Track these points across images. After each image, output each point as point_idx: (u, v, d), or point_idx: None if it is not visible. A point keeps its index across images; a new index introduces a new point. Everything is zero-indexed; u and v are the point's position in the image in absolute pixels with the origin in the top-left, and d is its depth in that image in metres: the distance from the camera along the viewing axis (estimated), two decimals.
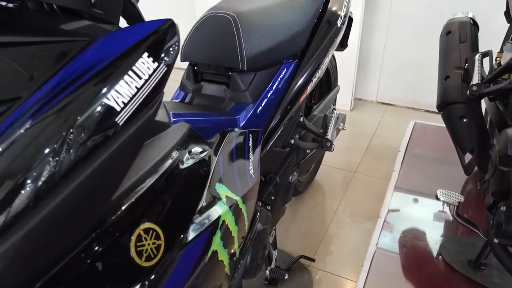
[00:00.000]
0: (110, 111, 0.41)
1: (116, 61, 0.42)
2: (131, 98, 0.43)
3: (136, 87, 0.43)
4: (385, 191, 1.78)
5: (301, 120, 1.26)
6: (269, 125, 1.07)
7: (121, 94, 0.42)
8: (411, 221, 1.51)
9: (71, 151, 0.38)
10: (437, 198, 0.99)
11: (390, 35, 2.51)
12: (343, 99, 2.57)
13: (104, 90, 0.40)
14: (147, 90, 0.44)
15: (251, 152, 0.93)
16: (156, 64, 0.46)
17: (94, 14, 0.54)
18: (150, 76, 0.45)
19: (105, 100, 0.40)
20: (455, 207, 0.99)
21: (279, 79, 1.07)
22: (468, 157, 1.28)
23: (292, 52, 1.11)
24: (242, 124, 0.98)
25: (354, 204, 1.79)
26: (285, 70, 1.09)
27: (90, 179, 0.38)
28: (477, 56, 1.29)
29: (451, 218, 1.17)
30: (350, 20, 1.44)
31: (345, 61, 2.39)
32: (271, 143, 1.10)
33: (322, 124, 1.42)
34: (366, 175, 2.00)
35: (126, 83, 0.43)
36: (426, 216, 1.54)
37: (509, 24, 1.63)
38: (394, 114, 2.59)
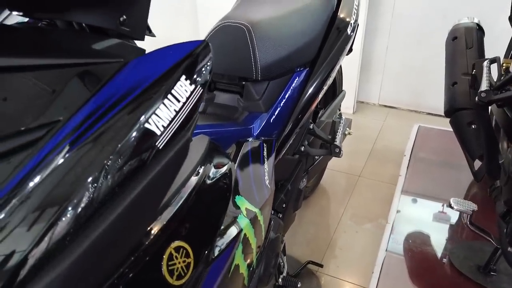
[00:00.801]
0: (151, 136, 0.41)
1: (155, 84, 0.42)
2: (170, 122, 0.43)
3: (175, 110, 0.43)
4: (390, 195, 1.79)
5: (311, 127, 1.26)
6: (282, 133, 1.07)
7: (161, 117, 0.42)
8: (419, 226, 1.51)
9: (113, 178, 0.38)
10: (451, 207, 0.99)
11: (393, 38, 2.52)
12: (345, 102, 2.57)
13: (145, 114, 0.41)
14: (185, 112, 0.45)
15: (266, 162, 0.93)
16: (193, 86, 0.46)
17: (121, 32, 0.55)
18: (187, 98, 0.45)
19: (146, 125, 0.40)
20: (469, 215, 0.99)
21: (291, 87, 1.08)
22: (477, 163, 1.29)
23: (304, 61, 1.11)
24: (256, 134, 0.99)
25: (360, 209, 1.80)
26: (297, 79, 1.09)
27: (132, 205, 0.39)
28: (485, 63, 1.29)
29: (459, 222, 1.17)
30: (357, 23, 1.44)
31: (348, 64, 2.39)
32: (284, 151, 1.10)
33: (330, 130, 1.43)
34: (370, 179, 2.00)
35: (166, 106, 0.43)
36: (435, 221, 1.55)
37: None
38: (397, 117, 2.60)
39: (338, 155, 1.38)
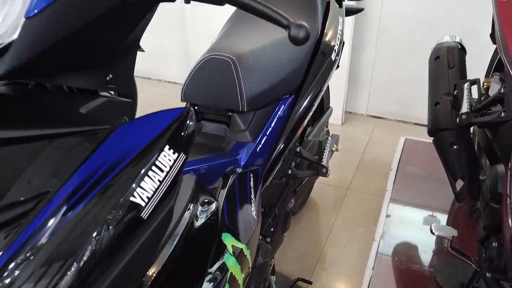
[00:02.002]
0: (136, 208, 0.43)
1: (140, 156, 0.44)
2: (154, 192, 0.45)
3: (158, 180, 0.46)
4: (379, 209, 1.82)
5: (298, 150, 1.29)
6: (269, 161, 1.10)
7: (146, 189, 0.44)
8: (405, 243, 1.55)
9: (101, 249, 0.40)
10: (432, 232, 1.03)
11: (379, 51, 2.56)
12: (334, 113, 2.59)
13: (131, 188, 0.43)
14: (168, 181, 0.47)
15: (252, 193, 0.96)
16: (176, 155, 0.48)
17: (108, 90, 0.57)
18: (171, 167, 0.47)
19: (131, 198, 0.42)
20: (449, 241, 1.03)
21: (277, 116, 1.10)
22: (459, 182, 1.32)
23: (290, 88, 1.13)
24: (243, 164, 1.01)
25: (349, 223, 1.83)
26: (282, 106, 1.12)
27: (118, 275, 0.41)
28: (466, 85, 1.33)
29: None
30: (342, 43, 1.47)
31: (336, 76, 2.42)
32: (271, 178, 1.12)
33: (317, 150, 1.45)
34: (359, 192, 2.04)
35: (150, 178, 0.45)
36: (420, 237, 1.59)
37: (495, 46, 1.68)
38: (385, 128, 2.64)
39: (325, 175, 1.41)
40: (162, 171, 0.46)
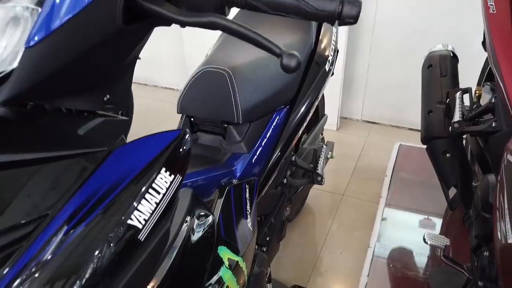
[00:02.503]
0: (133, 231, 0.44)
1: (137, 179, 0.46)
2: (151, 214, 0.46)
3: (155, 202, 0.47)
4: (374, 215, 1.84)
5: (293, 159, 1.31)
6: (264, 172, 1.11)
7: (143, 212, 0.45)
8: (400, 249, 1.57)
9: (100, 271, 0.41)
10: (425, 242, 1.05)
11: (373, 57, 2.58)
12: (329, 119, 2.61)
13: (129, 210, 0.44)
14: (164, 203, 0.48)
15: (248, 205, 0.97)
16: (172, 176, 0.49)
17: (106, 110, 0.58)
18: (167, 189, 0.48)
19: (129, 221, 0.44)
20: (442, 250, 1.04)
21: (272, 126, 1.11)
22: (453, 190, 1.34)
23: (285, 100, 1.15)
24: (238, 175, 1.02)
25: (344, 228, 1.85)
26: (277, 117, 1.13)
27: None
28: (458, 94, 1.36)
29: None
30: (336, 51, 1.49)
31: (331, 82, 2.43)
32: (266, 188, 1.14)
33: (312, 158, 1.47)
34: (354, 197, 2.05)
35: (147, 200, 0.46)
36: (415, 243, 1.60)
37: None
38: (379, 133, 2.66)
39: (320, 183, 1.43)
40: (158, 193, 0.47)
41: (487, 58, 1.70)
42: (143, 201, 0.46)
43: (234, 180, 1.01)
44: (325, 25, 1.37)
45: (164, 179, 0.48)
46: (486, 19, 1.13)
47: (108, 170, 0.47)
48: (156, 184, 0.47)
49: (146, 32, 0.54)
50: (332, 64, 1.37)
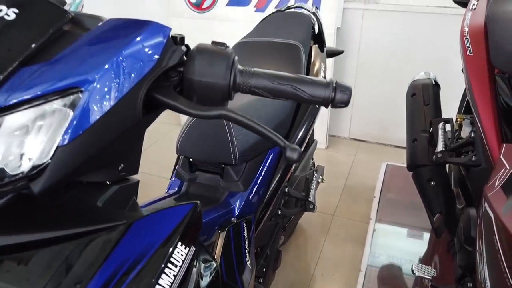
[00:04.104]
0: None
1: (156, 254, 0.50)
2: (170, 287, 0.51)
3: (173, 275, 0.52)
4: (364, 235, 1.90)
5: (286, 190, 1.36)
6: (260, 207, 1.16)
7: (162, 285, 0.50)
8: (391, 271, 1.63)
9: None
10: (413, 273, 1.11)
11: (359, 77, 2.67)
12: (318, 137, 2.69)
13: (150, 285, 0.49)
14: (181, 274, 0.53)
15: (246, 243, 1.02)
16: (187, 249, 0.54)
17: (120, 178, 0.63)
18: (183, 261, 0.53)
19: None
20: (429, 280, 1.11)
21: (267, 164, 1.17)
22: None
23: None
24: (237, 214, 1.07)
25: (336, 250, 1.90)
26: (272, 155, 1.19)
27: None
28: (440, 125, 1.43)
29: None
30: None
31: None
32: (262, 223, 1.19)
33: (304, 186, 1.53)
34: (344, 217, 2.12)
35: (166, 274, 0.51)
36: (405, 264, 1.67)
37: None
38: (367, 151, 2.74)
39: (312, 210, 1.49)
40: (176, 266, 0.52)
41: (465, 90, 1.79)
42: (163, 275, 0.50)
43: (232, 219, 1.06)
44: (314, 60, 1.44)
45: (180, 252, 0.53)
46: (464, 61, 1.21)
47: (129, 245, 0.51)
48: (174, 258, 0.52)
49: (159, 114, 0.59)
50: None
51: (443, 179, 1.38)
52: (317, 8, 1.80)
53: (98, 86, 0.46)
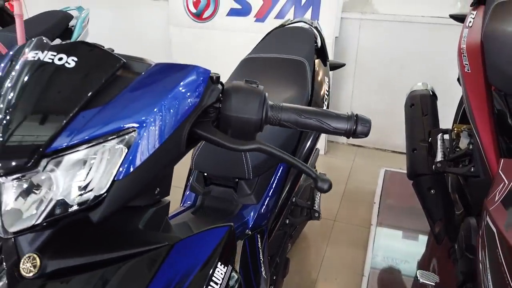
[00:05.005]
0: None
1: (200, 274, 0.56)
2: None
3: None
4: (365, 239, 1.97)
5: (293, 200, 1.42)
6: (271, 219, 1.22)
7: None
8: (392, 276, 1.69)
9: None
10: (417, 279, 1.17)
11: (357, 84, 2.75)
12: (318, 144, 2.77)
13: None
14: None
15: (261, 254, 1.07)
16: (225, 268, 0.60)
17: (156, 200, 0.68)
18: (222, 279, 0.59)
19: None
20: (433, 287, 1.17)
21: (277, 177, 1.23)
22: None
23: (288, 151, 1.26)
24: (250, 226, 1.13)
25: (338, 254, 1.97)
26: (281, 168, 1.25)
27: None
28: (439, 136, 1.50)
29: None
30: (329, 95, 1.62)
31: None
32: (274, 233, 1.25)
33: (309, 196, 1.59)
34: (345, 223, 2.18)
35: None
36: (406, 268, 1.73)
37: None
38: (365, 156, 2.81)
39: (318, 218, 1.55)
40: (217, 284, 0.58)
41: (462, 96, 1.87)
42: None
43: (247, 231, 1.11)
44: (318, 74, 1.50)
45: (220, 272, 0.59)
46: (462, 77, 1.28)
47: (173, 265, 0.57)
48: (215, 277, 0.58)
49: (196, 145, 0.65)
50: (327, 107, 1.49)
51: (443, 187, 1.45)
52: (317, 21, 1.87)
53: (149, 126, 0.52)
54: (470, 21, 1.38)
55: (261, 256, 1.07)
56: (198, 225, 0.94)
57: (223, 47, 2.75)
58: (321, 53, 1.61)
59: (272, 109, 0.65)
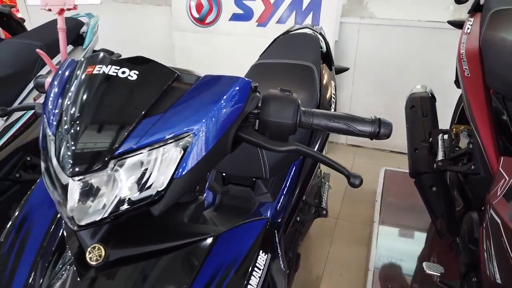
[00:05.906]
0: None
1: (245, 261, 0.63)
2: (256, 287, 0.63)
3: (259, 276, 0.64)
4: (367, 236, 2.05)
5: (304, 198, 1.49)
6: (286, 216, 1.29)
7: (253, 285, 0.63)
8: (396, 272, 1.77)
9: None
10: (423, 270, 1.25)
11: (356, 87, 2.83)
12: None
13: (244, 286, 0.61)
14: (263, 276, 0.65)
15: (278, 248, 1.14)
16: (266, 255, 0.67)
17: (195, 197, 0.75)
18: (264, 265, 0.66)
19: None
20: (438, 277, 1.25)
21: (291, 176, 1.30)
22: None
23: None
24: (268, 223, 1.19)
25: (342, 251, 2.04)
26: (294, 168, 1.32)
27: None
28: (440, 136, 1.59)
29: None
30: (335, 97, 1.69)
31: None
32: (288, 229, 1.32)
33: (316, 194, 1.66)
34: (348, 221, 2.26)
35: (254, 276, 0.63)
36: (410, 263, 1.81)
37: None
38: (364, 156, 2.90)
39: (325, 216, 1.62)
40: (260, 269, 0.65)
41: (459, 97, 1.96)
42: (251, 277, 0.63)
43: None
44: (325, 79, 1.57)
45: (261, 258, 0.66)
46: (462, 81, 1.37)
47: (220, 253, 0.64)
48: (258, 263, 0.65)
49: (237, 147, 0.72)
50: (335, 109, 1.57)
51: (444, 185, 1.53)
52: (321, 27, 1.94)
53: (202, 132, 0.59)
54: (468, 28, 1.47)
55: (279, 251, 1.14)
56: (222, 222, 1.01)
57: (225, 51, 2.82)
58: (327, 58, 1.69)
59: (305, 114, 0.72)
